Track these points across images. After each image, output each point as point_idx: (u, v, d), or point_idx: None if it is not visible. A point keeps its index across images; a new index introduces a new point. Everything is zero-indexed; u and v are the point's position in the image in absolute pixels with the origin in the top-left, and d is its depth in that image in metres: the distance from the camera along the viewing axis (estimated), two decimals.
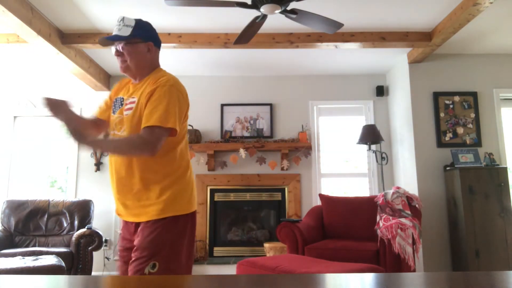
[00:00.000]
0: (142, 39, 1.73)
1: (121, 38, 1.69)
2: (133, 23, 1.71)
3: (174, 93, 1.66)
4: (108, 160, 1.77)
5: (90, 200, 4.55)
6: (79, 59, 4.32)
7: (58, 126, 5.11)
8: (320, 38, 4.05)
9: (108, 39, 1.71)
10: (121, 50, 1.71)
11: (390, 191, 3.97)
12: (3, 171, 5.04)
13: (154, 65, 1.80)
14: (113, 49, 1.75)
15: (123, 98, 1.77)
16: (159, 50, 1.84)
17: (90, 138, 1.62)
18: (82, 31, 4.00)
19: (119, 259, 1.83)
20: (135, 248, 1.65)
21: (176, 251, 1.69)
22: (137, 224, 1.72)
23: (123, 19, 1.72)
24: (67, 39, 4.00)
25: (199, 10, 3.57)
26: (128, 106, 1.72)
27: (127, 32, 1.69)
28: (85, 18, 3.73)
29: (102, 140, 1.78)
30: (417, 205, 3.91)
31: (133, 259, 1.64)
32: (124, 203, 1.72)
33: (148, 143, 1.58)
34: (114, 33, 1.70)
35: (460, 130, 4.51)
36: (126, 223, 1.80)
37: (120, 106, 1.76)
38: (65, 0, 3.42)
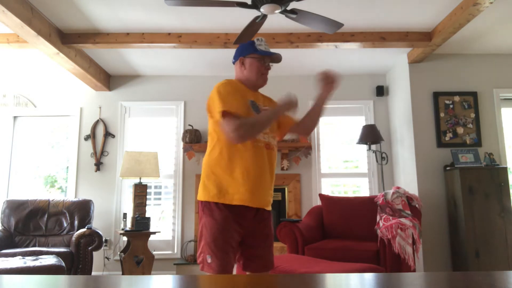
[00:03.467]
0: None
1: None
2: None
3: None
4: (257, 153, 1.91)
5: (90, 200, 4.55)
6: (79, 59, 4.32)
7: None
8: (320, 38, 4.05)
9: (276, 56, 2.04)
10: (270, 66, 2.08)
11: (390, 191, 3.97)
12: (3, 171, 5.04)
13: None
14: (264, 62, 2.04)
15: (256, 103, 2.00)
16: None
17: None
18: (82, 31, 4.00)
19: (226, 255, 1.84)
20: (267, 236, 1.99)
21: None
22: (257, 213, 1.96)
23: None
24: (67, 39, 4.00)
25: (199, 10, 3.57)
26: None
27: None
28: (85, 18, 3.73)
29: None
30: (417, 205, 3.91)
31: (271, 244, 2.01)
32: (267, 193, 1.97)
33: None
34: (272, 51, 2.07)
35: (460, 130, 4.51)
36: (249, 213, 1.92)
37: (259, 108, 1.99)
38: (65, 0, 3.42)
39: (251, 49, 2.01)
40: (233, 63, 2.09)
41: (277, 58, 2.06)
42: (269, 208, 2.01)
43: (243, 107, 1.90)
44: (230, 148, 1.89)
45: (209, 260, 1.82)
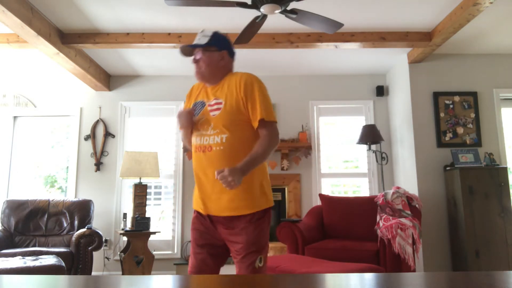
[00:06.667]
0: (217, 48, 1.89)
1: (198, 46, 1.87)
2: (210, 34, 1.89)
3: (264, 88, 1.89)
4: (195, 157, 1.87)
5: (90, 200, 4.55)
6: (79, 59, 4.32)
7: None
8: (320, 38, 4.05)
9: (188, 47, 1.89)
10: (197, 58, 1.89)
11: (390, 191, 3.97)
12: (3, 171, 5.04)
13: (227, 72, 1.94)
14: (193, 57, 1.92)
15: (203, 102, 1.89)
16: (233, 60, 1.98)
17: (241, 167, 1.66)
18: (82, 31, 4.00)
19: (193, 256, 1.87)
20: (241, 243, 1.74)
21: (267, 244, 1.85)
22: (229, 219, 1.79)
23: (203, 30, 1.90)
24: (67, 39, 4.00)
25: (199, 10, 3.57)
26: (215, 107, 1.83)
27: (204, 41, 1.87)
28: (85, 18, 3.73)
29: (247, 163, 1.71)
30: (417, 205, 3.91)
31: (242, 254, 1.74)
32: (212, 198, 1.80)
33: (277, 136, 1.81)
34: (194, 43, 1.88)
35: (460, 130, 4.51)
36: (210, 218, 1.84)
37: (202, 108, 1.88)
38: (65, 0, 3.42)
39: None
40: None
41: (194, 46, 1.89)
42: (226, 214, 1.78)
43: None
44: None
45: None
